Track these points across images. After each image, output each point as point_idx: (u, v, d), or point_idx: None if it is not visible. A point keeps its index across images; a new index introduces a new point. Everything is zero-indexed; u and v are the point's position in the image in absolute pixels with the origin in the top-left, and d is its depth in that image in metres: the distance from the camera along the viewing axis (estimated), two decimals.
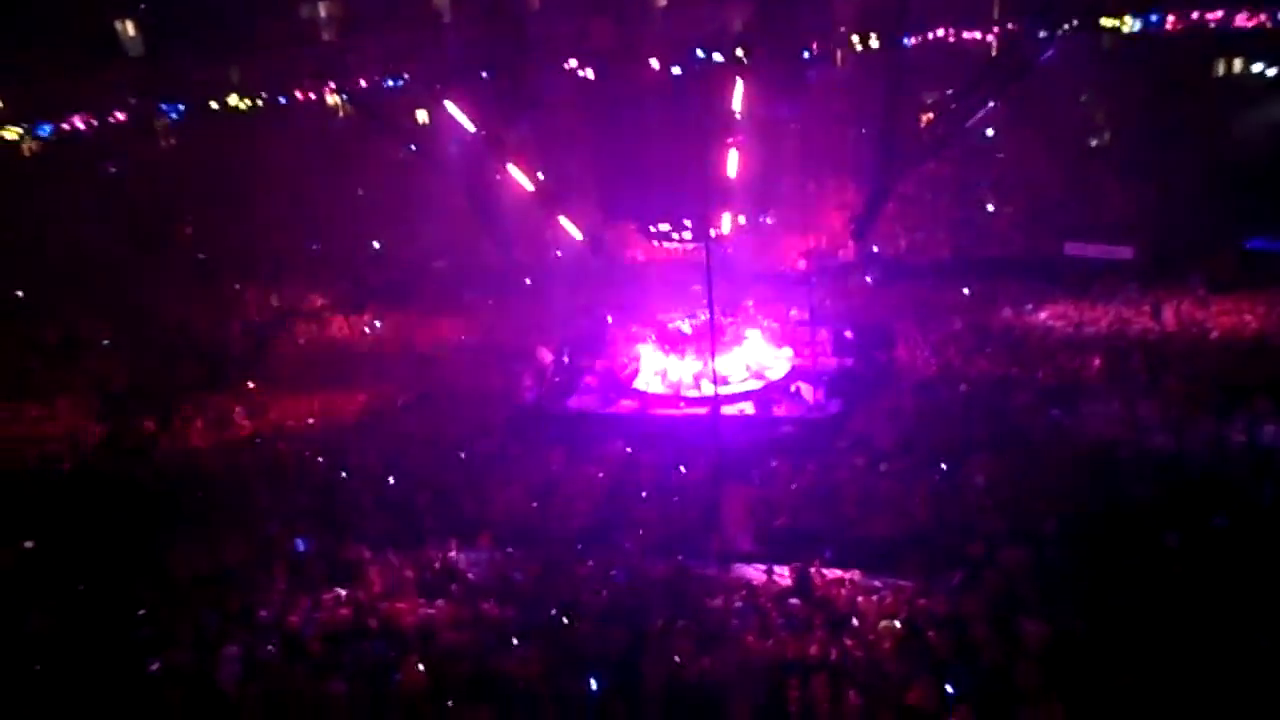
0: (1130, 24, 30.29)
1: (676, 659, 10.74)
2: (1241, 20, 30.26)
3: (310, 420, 20.46)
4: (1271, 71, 32.29)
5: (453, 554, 14.08)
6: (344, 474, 17.28)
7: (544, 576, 13.24)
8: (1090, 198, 28.04)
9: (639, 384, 20.55)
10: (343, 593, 12.96)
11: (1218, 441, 15.14)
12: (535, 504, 15.74)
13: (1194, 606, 10.95)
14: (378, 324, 26.68)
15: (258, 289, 28.73)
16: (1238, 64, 33.43)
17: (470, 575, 13.46)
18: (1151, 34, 30.98)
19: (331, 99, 21.39)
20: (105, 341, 24.62)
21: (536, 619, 12.11)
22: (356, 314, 27.36)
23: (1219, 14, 30.57)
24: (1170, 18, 30.76)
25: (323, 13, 39.00)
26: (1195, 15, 30.74)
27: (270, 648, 11.23)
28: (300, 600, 12.69)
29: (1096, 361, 18.95)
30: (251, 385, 22.52)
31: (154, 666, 10.91)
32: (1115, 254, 24.53)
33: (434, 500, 16.04)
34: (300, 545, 14.42)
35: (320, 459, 18.19)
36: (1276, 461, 14.21)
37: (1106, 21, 29.69)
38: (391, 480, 16.73)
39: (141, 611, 12.20)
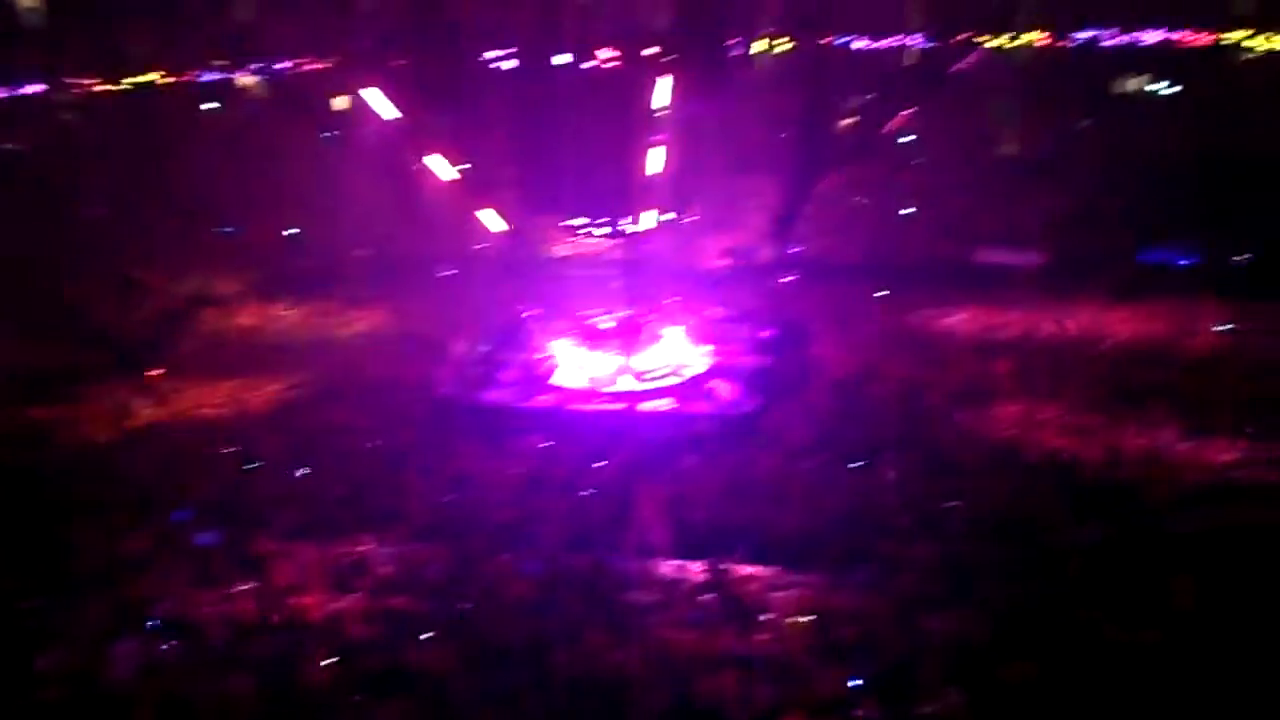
0: (1036, 38, 31.35)
1: (589, 653, 10.76)
2: (1130, 38, 31.71)
3: (218, 410, 19.84)
4: (1167, 89, 33.89)
5: (364, 548, 13.84)
6: (252, 465, 16.81)
7: (458, 570, 13.11)
8: (1002, 206, 28.95)
9: (558, 379, 20.46)
10: (246, 586, 12.63)
11: (1114, 446, 15.78)
12: (450, 497, 15.55)
13: (1091, 605, 11.43)
14: (291, 312, 26.01)
15: (164, 273, 27.72)
16: (1135, 82, 35.03)
17: (382, 569, 13.25)
18: (1059, 49, 32.12)
19: (245, 80, 20.73)
20: None
21: (449, 613, 11.99)
22: (269, 302, 26.62)
23: (1116, 33, 31.92)
24: (1089, 33, 32.02)
25: None
26: (1093, 34, 32.06)
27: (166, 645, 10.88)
28: (202, 594, 12.34)
29: (1003, 364, 19.57)
30: (156, 373, 21.72)
31: (40, 664, 10.48)
32: (1024, 261, 25.33)
33: (346, 492, 15.72)
34: (203, 538, 13.99)
35: (227, 449, 17.68)
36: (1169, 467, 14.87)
37: (1012, 38, 30.76)
38: (302, 472, 16.33)
39: (27, 605, 11.70)
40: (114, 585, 12.65)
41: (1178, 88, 33.60)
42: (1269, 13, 29.98)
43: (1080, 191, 28.91)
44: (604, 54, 17.72)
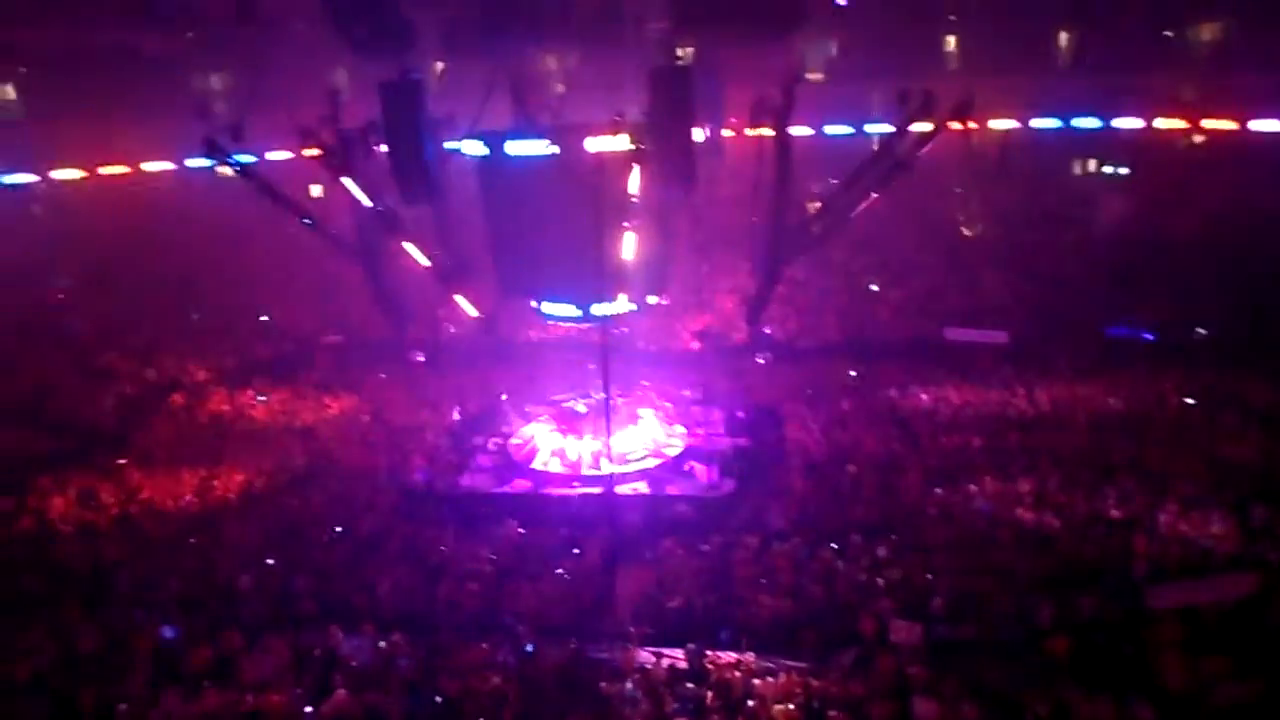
0: (1001, 126, 32.51)
1: None
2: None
3: (185, 499, 19.43)
4: (1123, 171, 35.11)
5: (334, 641, 13.48)
6: (218, 557, 16.42)
7: (430, 662, 12.76)
8: (967, 284, 29.53)
9: (537, 464, 20.32)
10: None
11: (1090, 519, 15.83)
12: (423, 587, 15.24)
13: (1076, 684, 11.33)
14: (262, 399, 25.76)
15: (133, 359, 27.47)
16: (1092, 164, 36.30)
17: (353, 663, 12.87)
18: (1019, 135, 33.25)
19: (222, 170, 20.93)
20: None
21: (423, 708, 11.65)
22: (240, 388, 26.37)
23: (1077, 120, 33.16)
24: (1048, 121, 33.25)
25: (217, 84, 38.78)
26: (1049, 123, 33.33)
27: None
28: (165, 693, 11.91)
29: (976, 441, 19.69)
30: (122, 461, 21.31)
31: None
32: (991, 338, 25.72)
33: (315, 583, 15.37)
34: (167, 633, 13.57)
35: (193, 540, 17.28)
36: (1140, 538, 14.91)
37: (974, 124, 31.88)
38: (270, 562, 15.96)
39: None
40: (66, 685, 12.20)
41: (1128, 170, 34.84)
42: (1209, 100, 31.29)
43: (1044, 269, 29.60)
44: (574, 143, 18.08)
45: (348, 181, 20.34)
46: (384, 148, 19.65)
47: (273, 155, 28.74)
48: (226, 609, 14.51)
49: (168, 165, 33.94)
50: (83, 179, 33.50)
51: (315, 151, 20.36)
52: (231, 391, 26.16)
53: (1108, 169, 35.91)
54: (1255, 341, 23.12)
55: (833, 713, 10.98)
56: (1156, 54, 33.72)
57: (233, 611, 14.41)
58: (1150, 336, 25.13)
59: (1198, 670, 11.24)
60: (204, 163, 22.56)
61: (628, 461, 19.93)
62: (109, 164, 33.77)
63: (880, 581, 14.20)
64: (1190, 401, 20.86)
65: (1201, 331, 24.73)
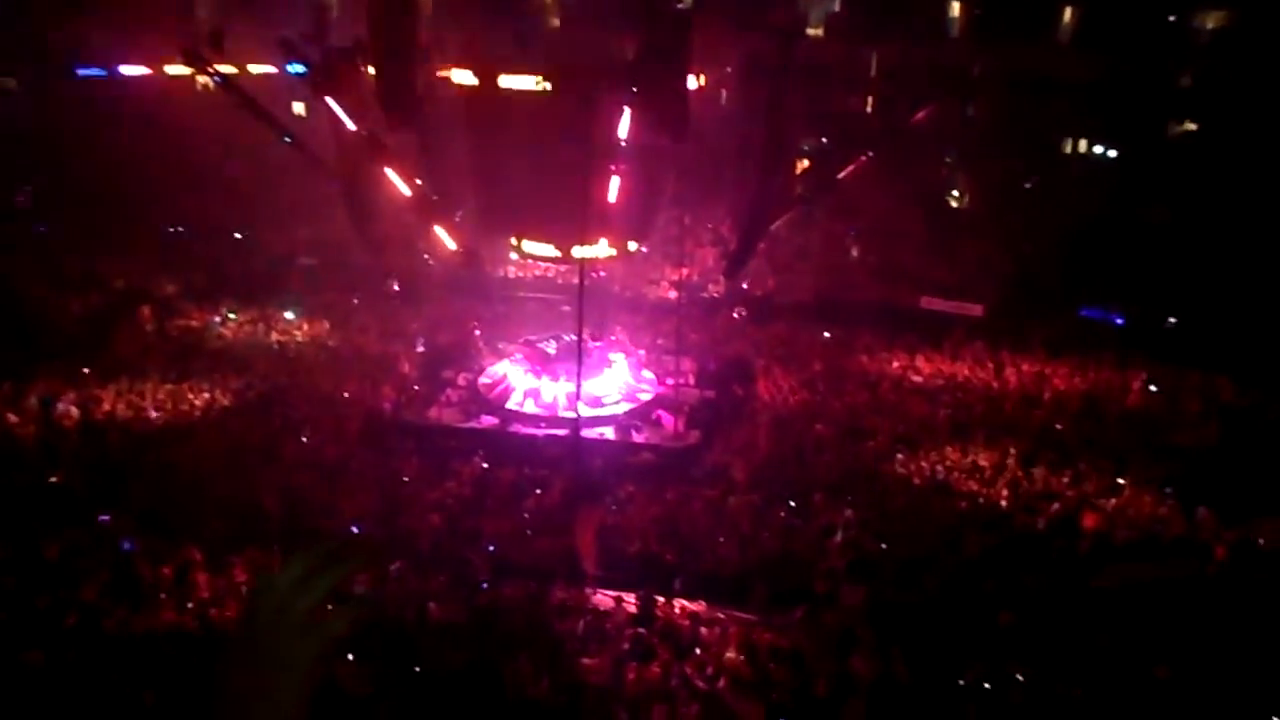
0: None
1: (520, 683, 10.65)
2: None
3: (150, 413, 19.30)
4: (1111, 153, 35.06)
5: None
6: (182, 472, 16.38)
7: (389, 591, 12.89)
8: (947, 255, 29.61)
9: (511, 404, 20.32)
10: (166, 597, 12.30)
11: (1043, 495, 16.15)
12: (384, 515, 15.32)
13: (1017, 652, 11.64)
14: (233, 317, 25.49)
15: (101, 269, 27.04)
16: (1083, 144, 36.21)
17: None
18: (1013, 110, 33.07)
19: (202, 79, 20.42)
20: None
21: (378, 635, 11.78)
22: (210, 304, 26.07)
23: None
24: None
25: None
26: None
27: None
28: (119, 603, 11.98)
29: (942, 412, 19.93)
30: (86, 371, 21.06)
31: None
32: (967, 311, 25.89)
33: (280, 505, 15.40)
34: (126, 545, 13.60)
35: (156, 455, 17.21)
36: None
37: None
38: (234, 482, 15.96)
39: None
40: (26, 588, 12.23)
41: (1116, 153, 34.81)
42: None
43: (1026, 245, 29.71)
44: (566, 82, 17.80)
45: (331, 101, 19.95)
46: (371, 69, 19.28)
47: (255, 68, 28.03)
48: (187, 525, 14.52)
49: (144, 70, 32.98)
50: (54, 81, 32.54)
51: (299, 68, 19.91)
52: (201, 307, 25.87)
53: (1097, 149, 35.87)
54: (1223, 333, 23.39)
55: (774, 665, 11.24)
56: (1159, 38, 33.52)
57: (194, 528, 14.43)
58: (1120, 320, 25.39)
59: (1131, 646, 11.61)
60: (183, 70, 21.97)
61: (601, 405, 20.02)
62: (83, 65, 32.75)
63: (836, 540, 14.46)
64: (1154, 388, 21.18)
65: (1172, 320, 25.02)
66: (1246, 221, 26.14)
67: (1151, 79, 31.68)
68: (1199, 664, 11.26)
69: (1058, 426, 19.06)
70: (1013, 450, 17.66)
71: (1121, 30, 31.67)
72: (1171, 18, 32.90)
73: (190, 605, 12.31)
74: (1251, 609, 12.67)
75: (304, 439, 18.09)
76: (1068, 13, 35.71)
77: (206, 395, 20.22)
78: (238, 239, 30.25)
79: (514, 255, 21.88)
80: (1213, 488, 15.79)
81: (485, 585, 13.09)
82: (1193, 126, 32.99)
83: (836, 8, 37.58)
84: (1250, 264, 24.80)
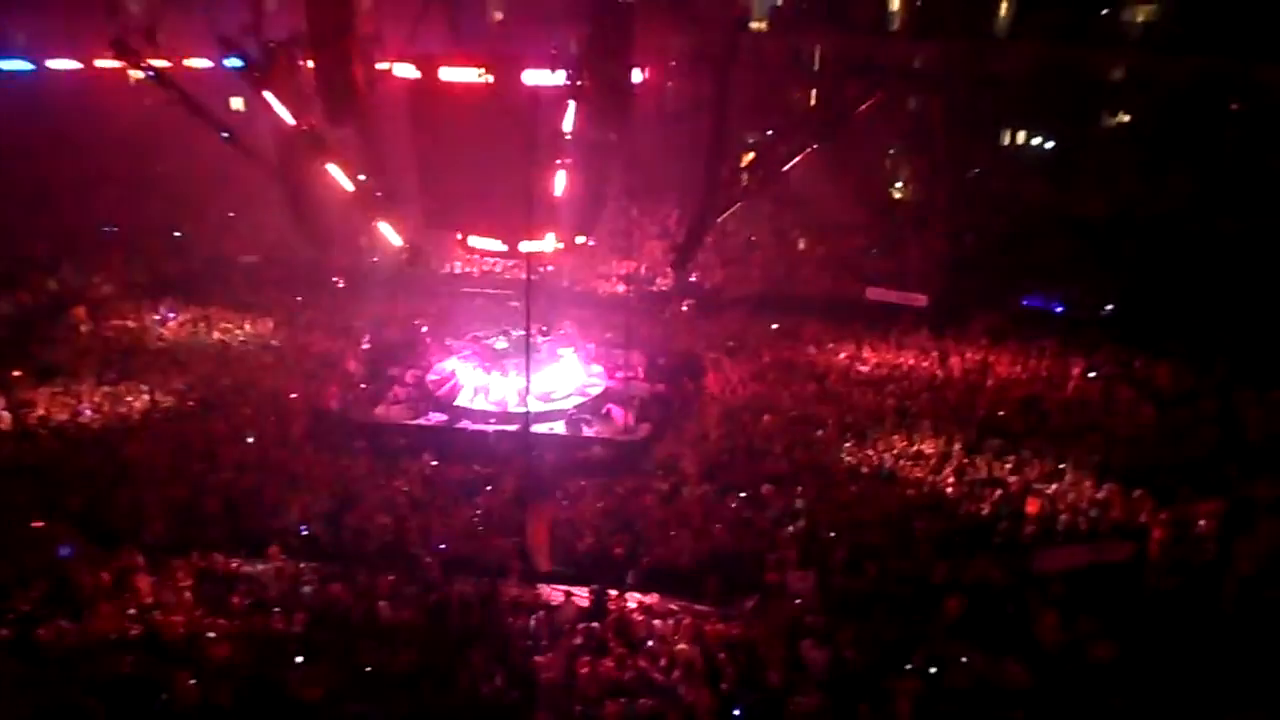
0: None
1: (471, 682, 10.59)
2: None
3: (86, 417, 18.77)
4: (1049, 145, 35.81)
5: (236, 564, 13.32)
6: (120, 477, 15.98)
7: (337, 591, 12.72)
8: (892, 246, 29.97)
9: (450, 397, 20.16)
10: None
11: (987, 482, 16.45)
12: (332, 515, 15.10)
13: (967, 637, 11.87)
14: (172, 316, 24.90)
15: (33, 269, 26.23)
16: (1021, 136, 36.92)
17: (255, 588, 12.75)
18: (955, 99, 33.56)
19: (134, 73, 19.89)
20: None
21: (326, 635, 11.64)
22: (150, 303, 25.44)
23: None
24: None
25: None
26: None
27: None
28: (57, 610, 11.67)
29: (890, 401, 20.18)
30: (17, 374, 20.41)
31: None
32: (911, 301, 26.22)
33: (222, 507, 15.11)
34: (63, 551, 13.24)
35: (92, 459, 16.75)
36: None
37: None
38: (176, 484, 15.62)
39: None
40: None
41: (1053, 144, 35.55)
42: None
43: (968, 236, 30.19)
44: (510, 75, 17.58)
45: (270, 96, 19.54)
46: (310, 63, 18.92)
47: (190, 62, 27.32)
48: (127, 530, 14.18)
49: (74, 64, 31.93)
50: None
51: (237, 62, 19.47)
52: (139, 308, 25.24)
53: (1035, 141, 36.58)
54: (1159, 321, 23.99)
55: (723, 655, 11.31)
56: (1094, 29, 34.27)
57: (134, 532, 14.10)
58: (1059, 309, 25.94)
59: (1071, 630, 11.89)
60: (114, 64, 21.30)
61: (551, 400, 19.93)
62: (5, 56, 31.63)
63: (787, 531, 14.59)
64: (1092, 375, 21.66)
65: (1109, 308, 25.63)
66: (1182, 210, 26.92)
67: (1085, 71, 32.45)
68: (1139, 643, 11.58)
69: (1000, 414, 19.43)
70: (957, 437, 17.97)
71: (1056, 24, 32.42)
72: (1104, 11, 33.72)
73: (132, 611, 12.03)
74: (1188, 588, 13.09)
75: (249, 439, 17.76)
76: (1004, 7, 36.37)
77: (146, 397, 19.74)
78: (176, 237, 29.51)
79: (460, 250, 21.60)
80: (1150, 471, 16.24)
81: (434, 588, 12.96)
82: (1126, 118, 33.81)
83: (779, 2, 37.85)
84: (1187, 252, 25.52)
